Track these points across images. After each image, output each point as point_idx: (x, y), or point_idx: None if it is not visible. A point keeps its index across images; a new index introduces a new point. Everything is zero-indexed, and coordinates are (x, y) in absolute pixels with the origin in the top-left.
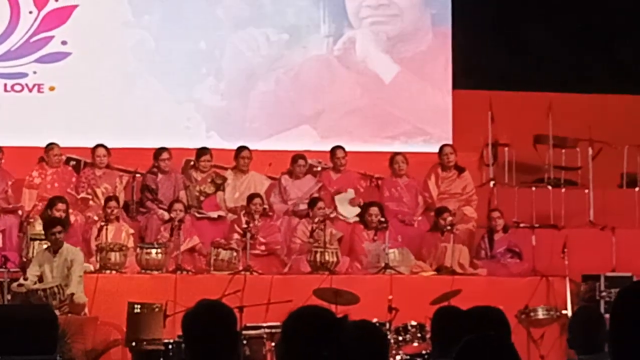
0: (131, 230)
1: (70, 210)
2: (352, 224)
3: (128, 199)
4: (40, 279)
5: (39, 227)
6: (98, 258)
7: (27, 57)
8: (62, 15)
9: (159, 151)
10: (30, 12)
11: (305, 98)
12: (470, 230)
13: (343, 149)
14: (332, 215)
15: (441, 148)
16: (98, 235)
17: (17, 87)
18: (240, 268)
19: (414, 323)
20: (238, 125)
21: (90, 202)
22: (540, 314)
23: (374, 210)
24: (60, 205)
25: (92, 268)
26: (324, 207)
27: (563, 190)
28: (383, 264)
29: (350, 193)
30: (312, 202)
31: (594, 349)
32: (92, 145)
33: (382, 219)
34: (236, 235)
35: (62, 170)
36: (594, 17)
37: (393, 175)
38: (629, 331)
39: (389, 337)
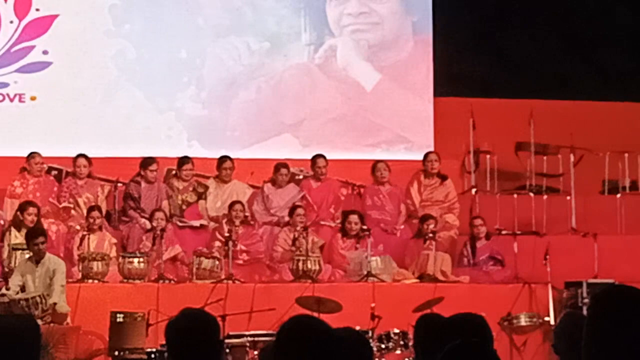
0: (114, 240)
1: (52, 220)
2: (335, 228)
3: (110, 209)
4: (23, 288)
5: (19, 236)
6: (80, 267)
7: (8, 67)
8: (43, 24)
9: (148, 162)
10: (11, 22)
11: (287, 106)
12: (452, 237)
13: (324, 157)
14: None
15: (426, 155)
16: (80, 244)
17: None
18: (223, 277)
19: (396, 331)
20: (219, 133)
21: (72, 212)
22: (523, 321)
23: (354, 218)
24: (31, 210)
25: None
26: (303, 214)
27: (545, 197)
28: (365, 272)
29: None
30: (292, 210)
31: (579, 355)
32: (73, 154)
33: (364, 227)
34: (218, 244)
35: (43, 180)
36: (575, 25)
37: (375, 183)
38: (604, 336)
39: (372, 344)
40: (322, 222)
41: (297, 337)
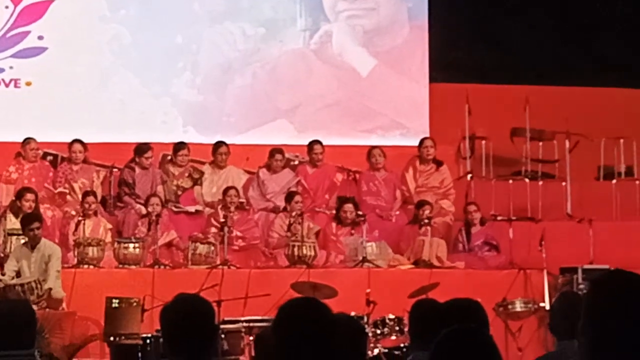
0: (109, 225)
1: (47, 205)
2: (330, 215)
3: (105, 194)
4: (18, 274)
5: (16, 222)
6: (76, 253)
7: (4, 52)
8: (39, 10)
9: (143, 149)
10: (7, 7)
11: (282, 92)
12: (448, 223)
13: (321, 143)
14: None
15: (422, 141)
16: (76, 230)
17: None
18: (218, 262)
19: (392, 316)
20: (215, 119)
21: (68, 197)
22: (518, 306)
23: (349, 207)
24: (29, 196)
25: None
26: (301, 200)
27: (540, 183)
28: (361, 258)
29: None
30: (289, 196)
31: (575, 334)
32: (69, 140)
33: (359, 213)
34: (213, 229)
35: (39, 165)
36: (571, 10)
37: (371, 169)
38: (604, 321)
39: (367, 330)
40: (317, 209)
41: (297, 318)
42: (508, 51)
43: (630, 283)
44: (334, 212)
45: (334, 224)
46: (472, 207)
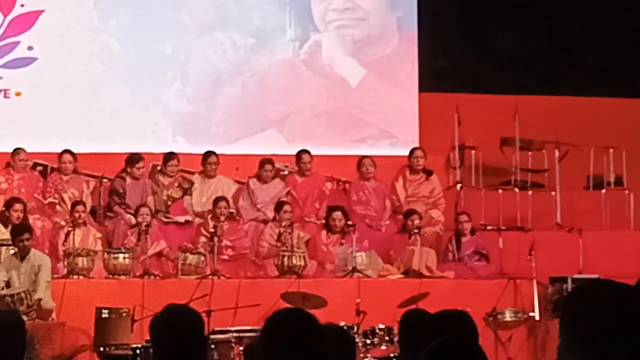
0: (99, 235)
1: (37, 216)
2: (320, 225)
3: (95, 204)
4: (8, 284)
5: (5, 232)
6: (65, 263)
7: None
8: (28, 20)
9: (135, 159)
10: None
11: (272, 102)
12: (438, 233)
13: (309, 153)
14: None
15: (412, 151)
16: (65, 240)
17: None
18: (208, 272)
19: (381, 326)
20: (204, 129)
21: (58, 207)
22: (508, 316)
23: (337, 214)
24: (17, 206)
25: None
26: (290, 210)
27: (530, 192)
28: (350, 268)
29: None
30: (279, 206)
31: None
32: (58, 150)
33: (349, 222)
34: (203, 239)
35: (28, 176)
36: (560, 20)
37: (361, 179)
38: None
39: (357, 340)
40: (307, 219)
41: (285, 328)
42: (498, 61)
43: (604, 292)
44: (323, 221)
45: (324, 232)
46: (464, 217)
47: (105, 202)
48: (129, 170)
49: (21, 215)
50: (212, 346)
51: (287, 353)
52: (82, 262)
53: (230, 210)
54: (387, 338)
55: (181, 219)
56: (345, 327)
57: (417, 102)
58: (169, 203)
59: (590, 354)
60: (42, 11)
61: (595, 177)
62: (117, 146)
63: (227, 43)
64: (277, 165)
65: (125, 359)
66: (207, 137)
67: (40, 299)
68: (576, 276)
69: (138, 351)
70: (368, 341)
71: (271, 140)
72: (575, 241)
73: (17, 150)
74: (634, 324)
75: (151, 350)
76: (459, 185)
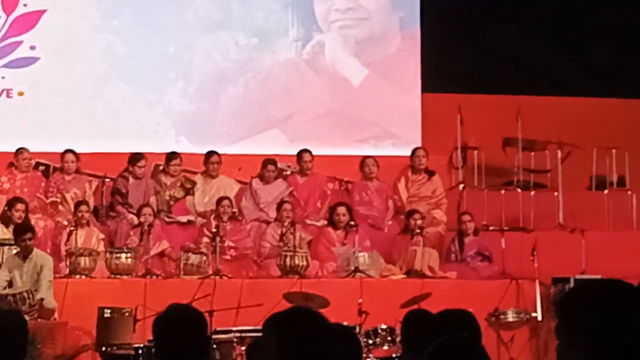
0: (101, 235)
1: (39, 215)
2: (321, 227)
3: (98, 204)
4: (10, 284)
5: (6, 232)
6: (68, 263)
7: None
8: (31, 20)
9: (136, 158)
10: None
11: (275, 102)
12: (440, 233)
13: (310, 152)
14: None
15: (414, 151)
16: (68, 240)
17: None
18: (210, 272)
19: (384, 326)
20: (207, 129)
21: (60, 207)
22: (510, 316)
23: (342, 209)
24: (20, 206)
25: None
26: (290, 209)
27: (532, 193)
28: (353, 268)
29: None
30: (279, 205)
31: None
32: (61, 150)
33: (352, 222)
34: (206, 239)
35: (31, 175)
36: (563, 20)
37: (363, 179)
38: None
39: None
40: (308, 222)
41: (298, 325)
42: (500, 61)
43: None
44: (325, 222)
45: (330, 229)
46: (467, 217)
47: (108, 202)
48: (130, 169)
49: (23, 215)
50: (214, 346)
51: (301, 351)
52: (84, 262)
53: (233, 210)
54: (389, 338)
55: (183, 219)
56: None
57: (419, 102)
58: (172, 203)
59: (590, 353)
60: (44, 11)
61: (597, 177)
62: (119, 146)
63: (230, 43)
64: (279, 165)
65: (127, 358)
66: (209, 136)
67: (42, 299)
68: (579, 277)
69: (140, 351)
70: (370, 341)
71: (274, 140)
72: (578, 242)
73: (19, 150)
74: (634, 324)
75: (153, 350)
76: (461, 186)
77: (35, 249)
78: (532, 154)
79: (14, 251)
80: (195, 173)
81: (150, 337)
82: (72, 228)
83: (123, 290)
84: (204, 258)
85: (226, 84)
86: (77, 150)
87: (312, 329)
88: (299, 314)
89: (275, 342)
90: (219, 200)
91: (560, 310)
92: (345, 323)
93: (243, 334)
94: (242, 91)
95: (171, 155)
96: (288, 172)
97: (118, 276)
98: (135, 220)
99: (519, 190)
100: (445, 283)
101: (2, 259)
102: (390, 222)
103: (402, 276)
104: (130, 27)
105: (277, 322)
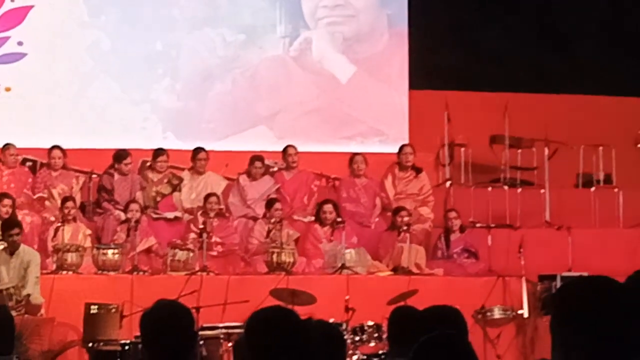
0: (88, 231)
1: (26, 211)
2: (308, 223)
3: (85, 200)
4: None
5: None
6: (55, 259)
7: None
8: (18, 15)
9: (122, 155)
10: None
11: (262, 99)
12: (427, 230)
13: (294, 147)
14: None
15: (401, 148)
16: (55, 236)
17: None
18: (197, 268)
19: (370, 323)
20: (194, 125)
21: (47, 203)
22: (497, 313)
23: (328, 207)
24: (6, 201)
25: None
26: (280, 208)
27: (519, 190)
28: (340, 264)
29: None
30: (269, 203)
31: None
32: (48, 145)
33: (339, 219)
34: (192, 236)
35: (18, 171)
36: (550, 17)
37: (351, 176)
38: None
39: (345, 337)
40: (296, 217)
41: (269, 329)
42: (487, 58)
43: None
44: (312, 218)
45: (317, 226)
46: (453, 214)
47: (94, 198)
48: (116, 166)
49: (10, 210)
50: (201, 342)
51: (274, 351)
52: (71, 257)
53: (220, 207)
54: (376, 335)
55: (170, 215)
56: (334, 324)
57: (407, 100)
58: (158, 199)
59: (586, 352)
60: (32, 6)
61: (584, 175)
62: (106, 142)
63: (218, 39)
64: (266, 162)
65: (114, 354)
66: (196, 133)
67: (29, 295)
68: (565, 274)
69: (127, 347)
70: (357, 338)
71: (261, 137)
72: (565, 239)
73: (6, 146)
74: (625, 321)
75: (140, 346)
76: (448, 183)
77: (22, 245)
78: (519, 151)
79: (1, 247)
80: (183, 169)
81: (137, 333)
82: (59, 224)
83: (110, 286)
84: (191, 254)
85: (213, 80)
86: (64, 146)
87: (287, 328)
88: (272, 315)
89: (253, 342)
90: (206, 197)
91: (553, 308)
92: (332, 320)
93: (230, 330)
94: (229, 88)
95: (158, 152)
96: (275, 169)
97: (105, 272)
98: (122, 217)
99: (505, 187)
100: (432, 280)
101: None
102: (377, 219)
103: (389, 273)
104: (117, 23)
105: (251, 322)
